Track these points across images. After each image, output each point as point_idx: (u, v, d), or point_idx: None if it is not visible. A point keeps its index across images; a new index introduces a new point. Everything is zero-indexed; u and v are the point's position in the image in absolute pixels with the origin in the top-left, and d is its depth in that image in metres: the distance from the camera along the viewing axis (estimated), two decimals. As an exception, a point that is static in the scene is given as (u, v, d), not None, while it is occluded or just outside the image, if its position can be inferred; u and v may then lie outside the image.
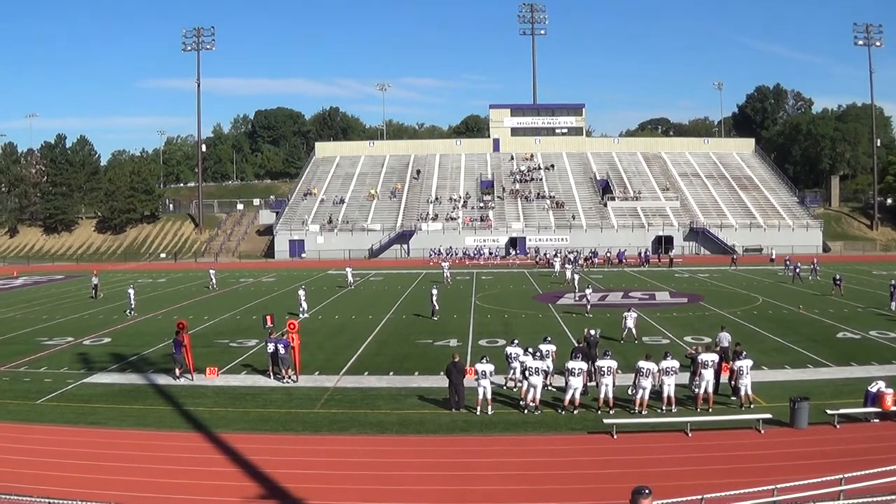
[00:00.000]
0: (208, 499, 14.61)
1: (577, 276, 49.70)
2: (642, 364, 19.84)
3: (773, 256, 67.71)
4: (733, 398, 20.54)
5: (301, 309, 39.54)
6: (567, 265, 59.43)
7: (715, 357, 20.63)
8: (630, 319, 30.78)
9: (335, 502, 14.60)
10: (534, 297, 47.30)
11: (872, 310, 38.36)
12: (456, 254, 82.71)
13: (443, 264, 62.03)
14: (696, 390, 20.40)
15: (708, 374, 20.11)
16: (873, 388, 19.20)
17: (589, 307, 39.25)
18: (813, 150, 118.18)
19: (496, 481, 15.50)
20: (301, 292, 41.19)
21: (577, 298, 43.25)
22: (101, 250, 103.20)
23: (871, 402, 19.04)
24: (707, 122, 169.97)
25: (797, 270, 53.63)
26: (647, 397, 19.72)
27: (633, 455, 16.65)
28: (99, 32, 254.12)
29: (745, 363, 20.20)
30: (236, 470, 16.11)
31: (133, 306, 41.89)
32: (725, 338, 24.57)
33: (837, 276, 45.86)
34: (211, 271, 58.69)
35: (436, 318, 37.39)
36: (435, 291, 39.88)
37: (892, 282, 39.30)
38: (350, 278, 55.11)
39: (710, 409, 19.82)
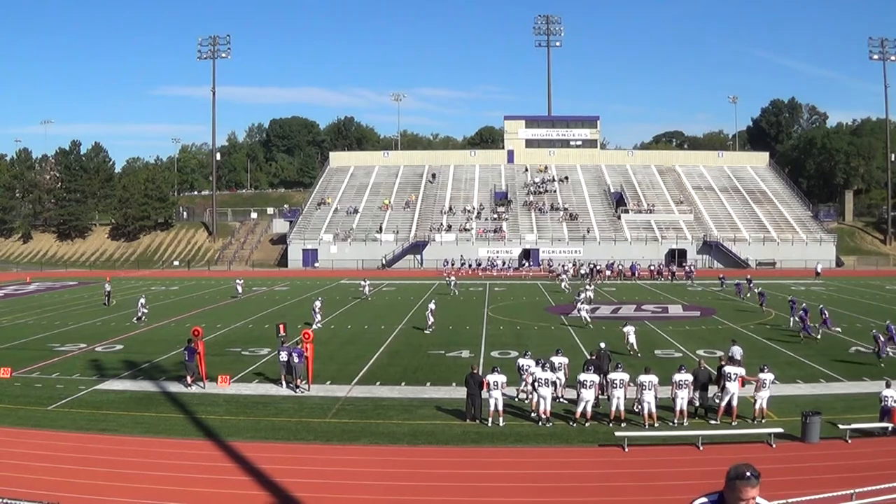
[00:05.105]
0: (219, 506, 14.61)
1: (591, 295, 48.08)
2: (642, 378, 19.87)
3: (819, 270, 66.46)
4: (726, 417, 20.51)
5: (315, 319, 39.43)
6: (587, 286, 57.41)
7: (741, 370, 20.56)
8: (630, 335, 30.48)
9: (345, 512, 14.59)
10: (546, 309, 47.25)
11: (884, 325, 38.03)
12: (469, 265, 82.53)
13: (450, 277, 61.19)
14: (720, 402, 20.40)
15: (732, 387, 20.05)
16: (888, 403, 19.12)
17: (589, 318, 39.06)
18: (827, 164, 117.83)
19: (507, 493, 15.48)
20: (317, 303, 41.12)
21: (588, 310, 42.80)
22: (114, 257, 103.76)
23: (886, 417, 18.96)
24: (721, 135, 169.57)
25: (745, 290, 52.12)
26: (654, 410, 19.68)
27: (644, 468, 16.61)
28: (114, 39, 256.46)
29: (767, 377, 20.23)
30: (247, 479, 16.15)
31: (141, 314, 41.46)
32: (738, 351, 24.53)
33: (820, 307, 38.32)
34: (238, 280, 58.51)
35: (427, 332, 36.61)
36: (432, 306, 39.32)
37: (791, 298, 41.08)
38: (367, 290, 54.06)
39: (734, 423, 19.79)
